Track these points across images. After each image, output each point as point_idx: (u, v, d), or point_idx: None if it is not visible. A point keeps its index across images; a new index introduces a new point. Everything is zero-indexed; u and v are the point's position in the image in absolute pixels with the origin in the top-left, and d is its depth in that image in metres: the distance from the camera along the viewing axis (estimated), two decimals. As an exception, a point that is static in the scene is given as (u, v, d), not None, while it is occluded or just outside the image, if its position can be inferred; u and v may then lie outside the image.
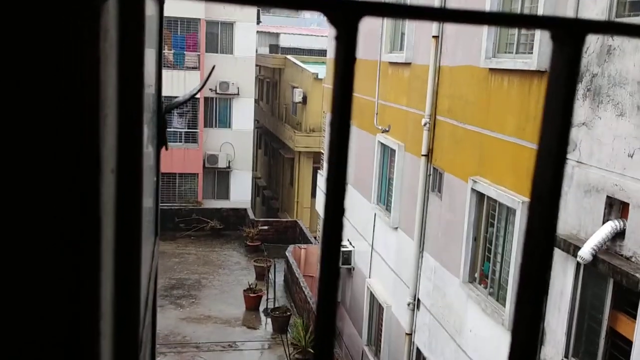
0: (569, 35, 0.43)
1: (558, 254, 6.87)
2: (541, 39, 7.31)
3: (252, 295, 17.31)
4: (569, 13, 6.81)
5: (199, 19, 25.44)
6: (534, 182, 0.46)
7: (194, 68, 25.38)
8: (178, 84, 24.76)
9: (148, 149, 1.30)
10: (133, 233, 0.70)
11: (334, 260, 0.45)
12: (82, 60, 0.43)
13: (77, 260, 0.49)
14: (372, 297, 13.13)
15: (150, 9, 1.18)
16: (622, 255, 5.98)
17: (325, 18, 0.47)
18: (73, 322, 0.50)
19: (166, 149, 1.45)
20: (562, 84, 0.43)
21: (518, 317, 0.47)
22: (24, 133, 0.45)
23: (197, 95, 25.03)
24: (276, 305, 16.89)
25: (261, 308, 17.35)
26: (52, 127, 0.44)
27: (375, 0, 0.45)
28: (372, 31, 13.31)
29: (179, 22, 25.49)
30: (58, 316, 0.49)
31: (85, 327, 0.51)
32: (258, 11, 27.40)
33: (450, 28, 9.90)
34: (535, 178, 0.46)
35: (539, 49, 7.33)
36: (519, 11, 8.12)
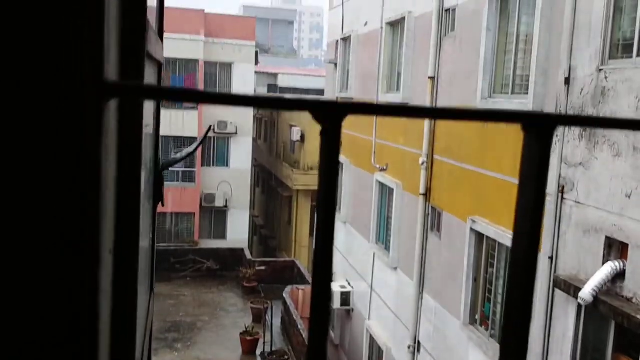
0: (539, 128, 0.46)
1: (559, 295, 6.81)
2: (536, 81, 7.40)
3: (248, 338, 17.04)
4: (563, 57, 6.92)
5: (198, 60, 25.79)
6: (511, 269, 0.48)
7: (192, 108, 25.60)
8: (176, 123, 24.94)
9: (146, 207, 1.30)
10: (128, 317, 0.70)
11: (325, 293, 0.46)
12: (83, 159, 0.44)
13: (75, 340, 0.48)
14: (372, 340, 12.94)
15: (151, 73, 1.20)
16: (622, 296, 5.93)
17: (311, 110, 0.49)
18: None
19: (162, 205, 1.45)
20: (535, 172, 0.45)
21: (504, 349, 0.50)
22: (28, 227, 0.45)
23: (196, 135, 25.18)
24: (273, 349, 16.62)
25: (258, 352, 17.06)
26: (54, 226, 0.45)
27: (355, 101, 0.50)
28: (369, 71, 13.50)
29: (177, 63, 25.83)
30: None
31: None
32: (256, 52, 27.81)
33: (446, 69, 10.05)
34: (512, 266, 0.49)
35: (535, 90, 7.42)
36: (513, 56, 8.24)
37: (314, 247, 0.49)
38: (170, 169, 25.84)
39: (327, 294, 0.48)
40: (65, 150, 0.44)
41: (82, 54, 0.43)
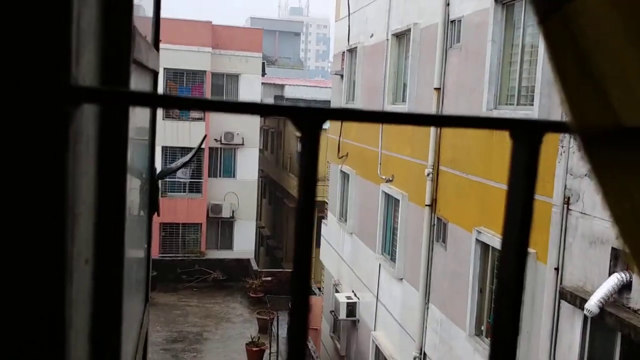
0: (527, 134, 0.45)
1: (565, 306, 6.76)
2: (542, 92, 7.39)
3: (254, 349, 16.99)
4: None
5: (205, 71, 25.92)
6: (498, 280, 0.48)
7: (199, 119, 25.70)
8: (183, 134, 25.04)
9: (139, 217, 1.30)
10: (112, 320, 0.69)
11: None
12: (47, 165, 0.43)
13: (42, 350, 0.48)
14: (378, 351, 12.86)
15: (144, 82, 1.20)
16: (629, 307, 5.88)
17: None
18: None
19: (158, 215, 1.45)
20: (523, 179, 0.45)
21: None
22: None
23: (203, 146, 25.26)
24: None
25: (264, 362, 17.00)
26: (15, 229, 0.44)
27: (334, 107, 0.49)
28: (375, 82, 13.52)
29: (185, 74, 25.97)
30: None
31: None
32: (263, 63, 27.94)
33: (452, 80, 10.05)
34: (500, 272, 0.48)
35: (540, 101, 7.40)
36: (518, 67, 8.24)
37: (293, 257, 0.49)
38: (177, 179, 25.95)
39: (306, 294, 0.47)
40: (27, 156, 0.43)
41: (46, 57, 0.43)
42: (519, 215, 0.48)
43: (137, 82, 1.04)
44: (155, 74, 1.52)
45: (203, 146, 25.21)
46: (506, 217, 0.51)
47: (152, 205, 1.40)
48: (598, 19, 0.43)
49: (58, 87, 0.43)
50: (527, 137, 0.47)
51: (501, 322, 0.50)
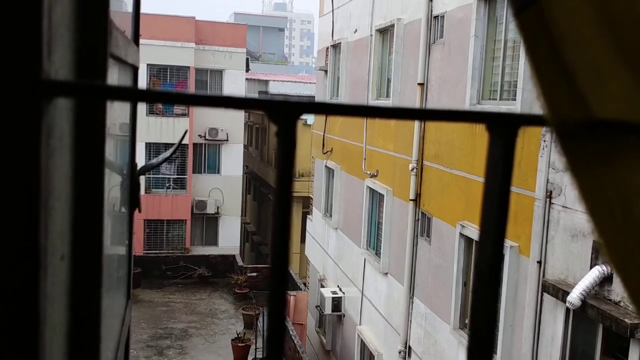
0: (503, 128, 0.45)
1: (547, 299, 6.83)
2: (524, 87, 7.45)
3: (240, 344, 16.97)
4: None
5: (189, 67, 25.78)
6: (475, 274, 0.48)
7: (182, 115, 25.56)
8: (167, 130, 24.90)
9: (120, 213, 1.29)
10: (91, 317, 0.69)
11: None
12: (21, 160, 0.43)
13: (15, 353, 0.47)
14: (363, 345, 12.92)
15: (123, 77, 1.19)
16: (610, 300, 5.96)
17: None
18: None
19: (139, 211, 1.44)
20: (499, 172, 0.45)
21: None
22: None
23: (186, 142, 25.14)
24: (265, 355, 16.55)
25: (250, 358, 16.99)
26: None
27: (309, 101, 0.49)
28: (359, 78, 13.53)
29: (168, 70, 25.80)
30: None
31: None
32: (247, 59, 27.83)
33: (435, 75, 10.09)
34: (478, 263, 0.48)
35: (522, 96, 7.46)
36: (501, 62, 8.30)
37: (270, 253, 0.49)
38: (161, 176, 25.80)
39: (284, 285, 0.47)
40: (-1, 148, 0.43)
41: (16, 51, 0.42)
42: (495, 205, 0.49)
43: (116, 77, 1.03)
44: (135, 69, 1.50)
45: (186, 142, 25.10)
46: (483, 207, 0.52)
47: (133, 201, 1.39)
48: (570, 10, 0.43)
49: (28, 81, 0.42)
50: (503, 131, 0.47)
51: (479, 309, 0.50)
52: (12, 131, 0.42)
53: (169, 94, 0.45)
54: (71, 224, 0.59)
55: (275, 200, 0.46)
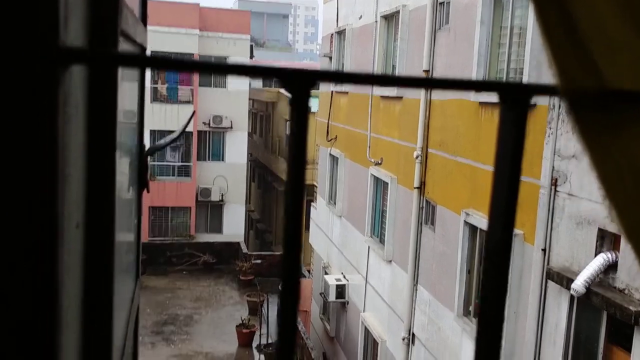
0: (516, 97, 0.45)
1: (552, 286, 6.84)
2: (530, 73, 7.41)
3: (245, 331, 17.08)
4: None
5: (193, 54, 25.71)
6: (487, 239, 0.48)
7: (187, 102, 25.55)
8: (171, 117, 24.90)
9: (129, 193, 1.30)
10: (104, 286, 0.70)
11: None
12: (39, 126, 0.43)
13: (33, 320, 0.48)
14: (367, 332, 12.98)
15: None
16: (615, 287, 5.96)
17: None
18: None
19: (147, 191, 1.45)
20: (511, 143, 0.45)
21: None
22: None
23: (191, 129, 25.15)
24: (270, 341, 16.66)
25: (254, 344, 17.11)
26: (6, 188, 0.44)
27: (323, 70, 0.49)
28: (364, 64, 13.48)
29: (172, 57, 25.71)
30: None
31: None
32: (251, 46, 27.74)
33: (441, 62, 10.04)
34: (489, 236, 0.48)
35: (528, 82, 7.42)
36: (507, 49, 8.25)
37: (283, 233, 0.49)
38: (166, 163, 25.83)
39: (297, 268, 0.48)
40: (18, 115, 0.43)
41: (35, 19, 0.42)
42: (506, 180, 0.49)
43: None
44: (143, 49, 1.51)
45: (191, 129, 25.10)
46: (494, 183, 0.51)
47: (141, 182, 1.40)
48: None
49: (47, 48, 0.42)
50: (516, 100, 0.47)
51: (489, 290, 0.50)
52: (32, 97, 0.43)
53: (185, 62, 0.45)
54: (85, 192, 0.60)
55: (289, 170, 0.47)
